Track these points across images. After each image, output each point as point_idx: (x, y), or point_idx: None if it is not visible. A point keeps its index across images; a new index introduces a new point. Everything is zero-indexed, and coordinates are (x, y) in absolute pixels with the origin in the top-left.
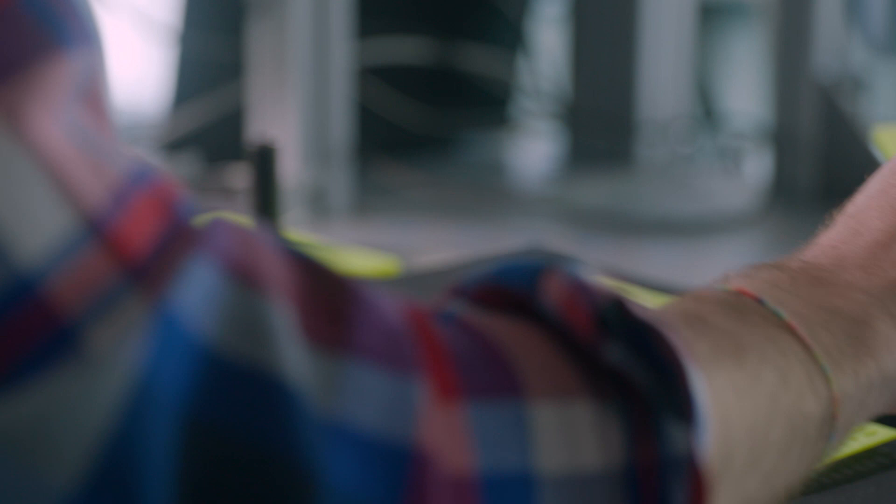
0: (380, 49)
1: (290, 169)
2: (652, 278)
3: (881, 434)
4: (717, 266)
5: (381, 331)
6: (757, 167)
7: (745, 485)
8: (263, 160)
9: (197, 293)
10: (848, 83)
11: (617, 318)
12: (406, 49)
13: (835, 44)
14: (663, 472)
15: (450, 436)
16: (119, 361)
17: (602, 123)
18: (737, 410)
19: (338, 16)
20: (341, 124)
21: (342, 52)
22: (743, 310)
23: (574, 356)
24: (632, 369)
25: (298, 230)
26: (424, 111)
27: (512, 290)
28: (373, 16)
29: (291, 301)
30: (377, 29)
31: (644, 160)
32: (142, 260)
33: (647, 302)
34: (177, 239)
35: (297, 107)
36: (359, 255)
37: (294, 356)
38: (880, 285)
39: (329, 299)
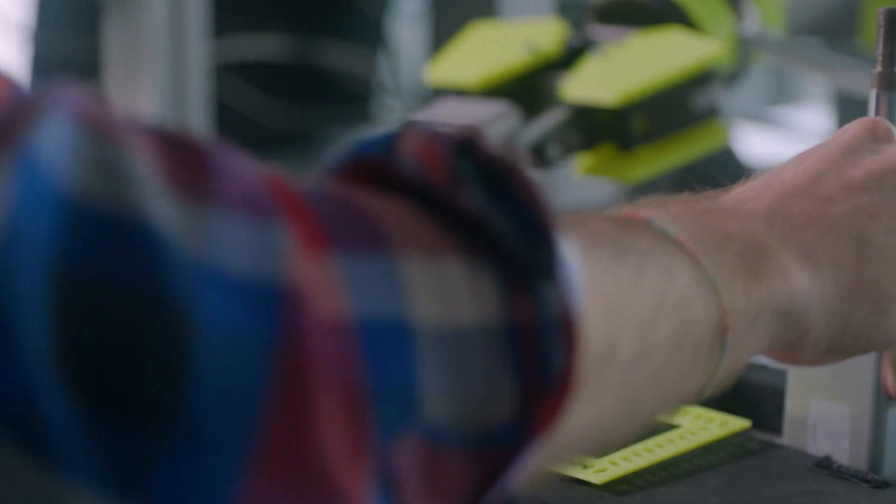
0: (238, 46)
1: None
2: None
3: (732, 424)
4: None
5: (242, 183)
6: None
7: (634, 378)
8: None
9: (54, 143)
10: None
11: (471, 161)
12: (265, 46)
13: None
14: (542, 332)
15: (321, 281)
16: None
17: None
18: (617, 298)
19: (194, 13)
20: (199, 122)
21: (199, 50)
22: (628, 224)
23: (441, 216)
24: (491, 214)
25: None
26: (285, 108)
27: (374, 160)
28: (230, 13)
29: (150, 152)
30: (235, 26)
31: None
32: None
33: None
34: (27, 102)
35: (153, 105)
36: None
37: (157, 201)
38: (783, 223)
39: (187, 153)
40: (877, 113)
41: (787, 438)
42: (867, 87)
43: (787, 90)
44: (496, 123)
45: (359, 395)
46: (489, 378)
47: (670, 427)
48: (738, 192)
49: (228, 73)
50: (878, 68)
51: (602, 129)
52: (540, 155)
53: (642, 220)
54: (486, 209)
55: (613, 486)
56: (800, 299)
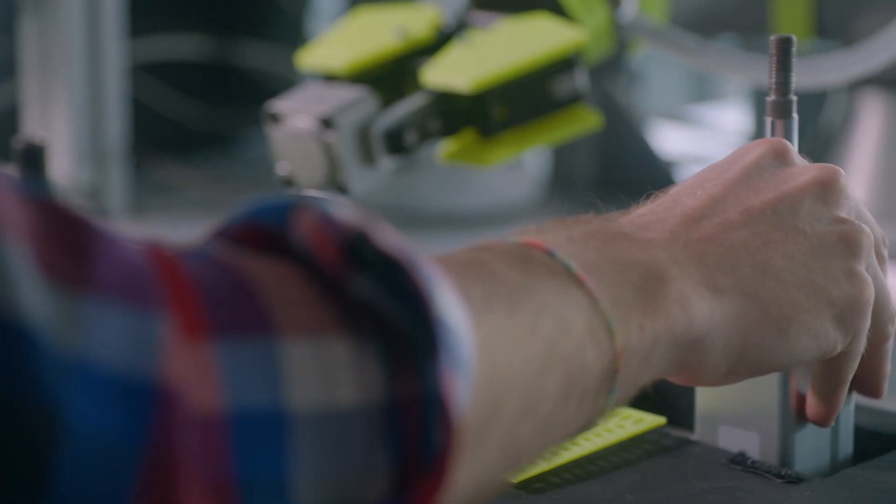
0: (156, 46)
1: (65, 169)
2: None
3: (647, 421)
4: None
5: (123, 267)
6: (536, 158)
7: (519, 431)
8: (31, 160)
9: None
10: (622, 75)
11: (363, 251)
12: (183, 46)
13: None
14: (424, 409)
15: (197, 373)
16: None
17: None
18: (506, 355)
19: (110, 13)
20: (116, 123)
21: (116, 50)
22: (530, 260)
23: (328, 292)
24: (381, 303)
25: None
26: (204, 108)
27: (267, 228)
28: (147, 13)
29: (28, 239)
30: (152, 26)
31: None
32: None
33: None
34: None
35: (70, 105)
36: None
37: (32, 296)
38: (684, 249)
39: (68, 236)
40: None
41: (700, 434)
42: (746, 78)
43: (708, 88)
44: (354, 109)
45: (227, 489)
46: (367, 458)
47: None
48: (641, 215)
49: (146, 74)
50: (773, 97)
51: (462, 115)
52: (398, 141)
53: (545, 251)
54: (373, 295)
55: (529, 485)
56: (698, 327)
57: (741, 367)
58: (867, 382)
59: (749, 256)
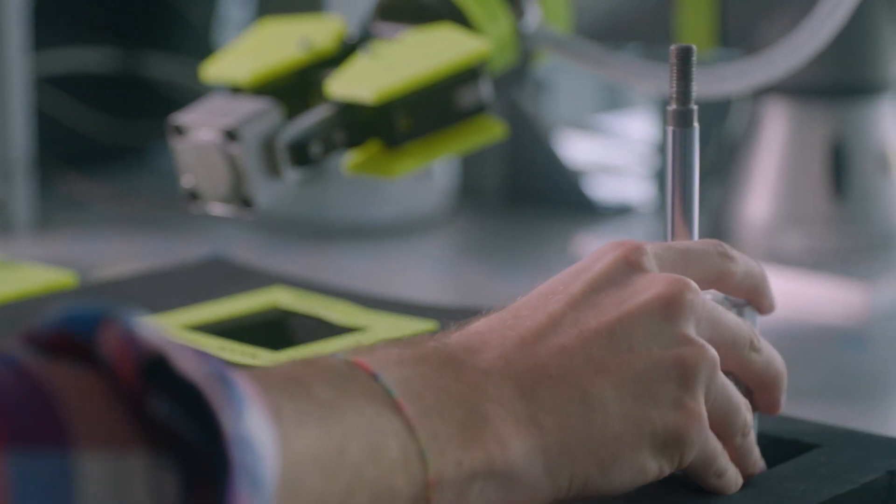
0: (61, 59)
1: None
2: (340, 285)
3: None
4: (407, 269)
5: None
6: (445, 169)
7: None
8: None
9: None
10: (529, 84)
11: (162, 373)
12: (89, 58)
13: None
14: None
15: None
16: None
17: None
18: (312, 476)
19: (14, 26)
20: (21, 136)
21: (20, 63)
22: (350, 381)
23: (130, 407)
24: (176, 423)
25: None
26: (111, 121)
27: (76, 338)
28: (52, 25)
29: None
30: (57, 38)
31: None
32: None
33: (333, 312)
34: None
35: None
36: (33, 270)
37: None
38: (514, 383)
39: None
40: (673, 149)
41: None
42: (648, 87)
43: (617, 97)
44: (258, 120)
45: None
46: None
47: None
48: (479, 333)
49: (52, 86)
50: (673, 106)
51: (367, 126)
52: (303, 152)
53: (370, 373)
54: (168, 415)
55: None
56: (518, 466)
57: (568, 497)
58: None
59: (579, 390)
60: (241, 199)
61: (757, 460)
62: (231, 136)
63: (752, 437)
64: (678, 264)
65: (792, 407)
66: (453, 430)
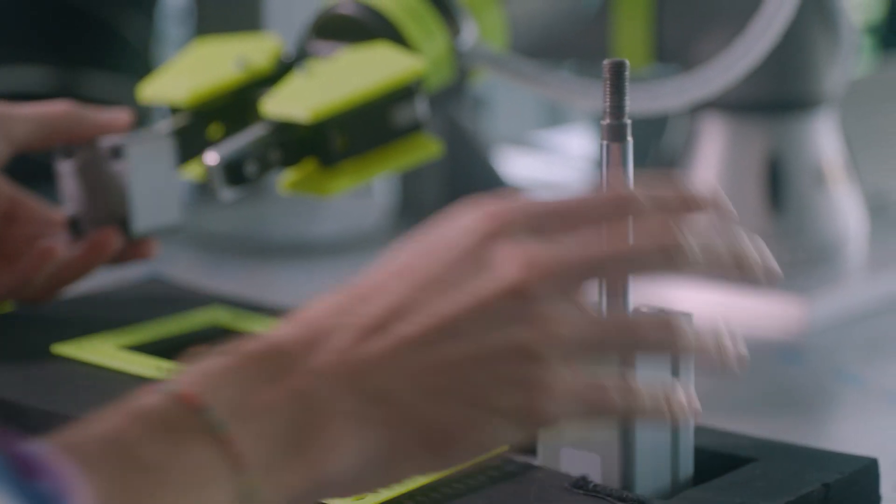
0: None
1: None
2: (280, 303)
3: None
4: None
5: None
6: (385, 186)
7: None
8: None
9: None
10: (468, 101)
11: None
12: (26, 78)
13: None
14: None
15: None
16: None
17: None
18: None
19: None
20: None
21: None
22: (176, 429)
23: None
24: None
25: None
26: None
27: None
28: None
29: None
30: None
31: (272, 182)
32: None
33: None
34: None
35: None
36: None
37: None
38: (348, 382)
39: None
40: (607, 163)
41: (543, 459)
42: (584, 103)
43: (557, 114)
44: (147, 143)
45: None
46: None
47: None
48: (313, 325)
49: None
50: (607, 120)
51: (302, 145)
52: (238, 171)
53: (196, 407)
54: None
55: None
56: (348, 469)
57: (388, 484)
58: None
59: (417, 383)
60: (118, 219)
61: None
62: (116, 153)
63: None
64: (554, 229)
65: (729, 421)
66: (282, 451)
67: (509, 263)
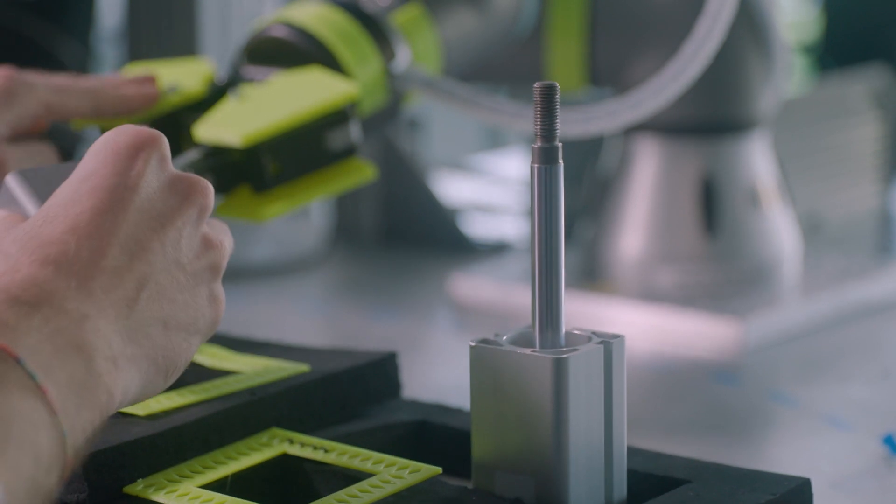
0: None
1: None
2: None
3: (424, 471)
4: (283, 310)
5: None
6: (321, 209)
7: None
8: None
9: None
10: (404, 124)
11: None
12: None
13: None
14: None
15: None
16: None
17: None
18: None
19: None
20: None
21: None
22: (4, 381)
23: None
24: None
25: None
26: None
27: None
28: None
29: None
30: None
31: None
32: None
33: (203, 355)
34: None
35: None
36: None
37: None
38: (113, 322)
39: None
40: (539, 186)
41: (477, 482)
42: (517, 126)
43: (495, 137)
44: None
45: None
46: None
47: (364, 475)
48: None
49: None
50: (538, 143)
51: (236, 170)
52: None
53: (14, 357)
54: None
55: None
56: (118, 403)
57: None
58: None
59: (150, 315)
60: None
61: None
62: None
63: None
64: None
65: (664, 441)
66: (77, 395)
67: (184, 181)
